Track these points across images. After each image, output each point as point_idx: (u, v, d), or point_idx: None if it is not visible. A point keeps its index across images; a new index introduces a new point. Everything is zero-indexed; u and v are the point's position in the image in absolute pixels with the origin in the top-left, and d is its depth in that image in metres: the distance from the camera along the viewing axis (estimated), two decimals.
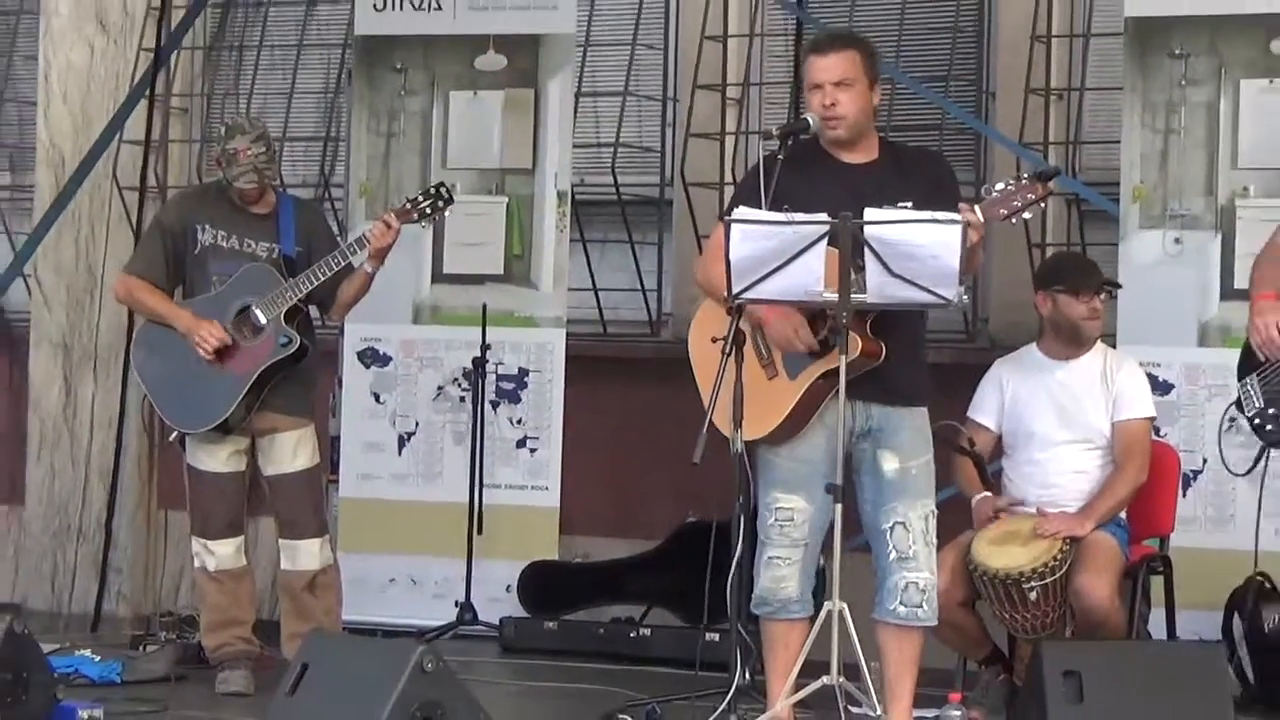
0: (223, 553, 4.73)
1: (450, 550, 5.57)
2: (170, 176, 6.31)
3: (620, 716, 4.28)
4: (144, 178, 6.14)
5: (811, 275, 3.66)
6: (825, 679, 3.70)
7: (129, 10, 6.19)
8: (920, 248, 3.63)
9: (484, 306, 5.62)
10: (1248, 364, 3.96)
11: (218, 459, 4.72)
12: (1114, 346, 4.77)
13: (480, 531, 5.54)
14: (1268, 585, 4.61)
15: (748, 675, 4.04)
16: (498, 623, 5.46)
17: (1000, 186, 3.86)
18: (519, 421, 5.70)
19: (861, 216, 3.66)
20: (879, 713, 3.78)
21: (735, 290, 3.70)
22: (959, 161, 5.51)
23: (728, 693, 3.80)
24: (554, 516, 5.66)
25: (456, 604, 5.52)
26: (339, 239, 5.02)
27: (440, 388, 5.75)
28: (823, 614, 3.73)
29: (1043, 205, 3.93)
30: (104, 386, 6.15)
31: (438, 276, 5.80)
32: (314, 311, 4.82)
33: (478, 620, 5.50)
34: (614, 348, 5.98)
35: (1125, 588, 4.37)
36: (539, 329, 5.71)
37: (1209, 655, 3.96)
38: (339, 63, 6.27)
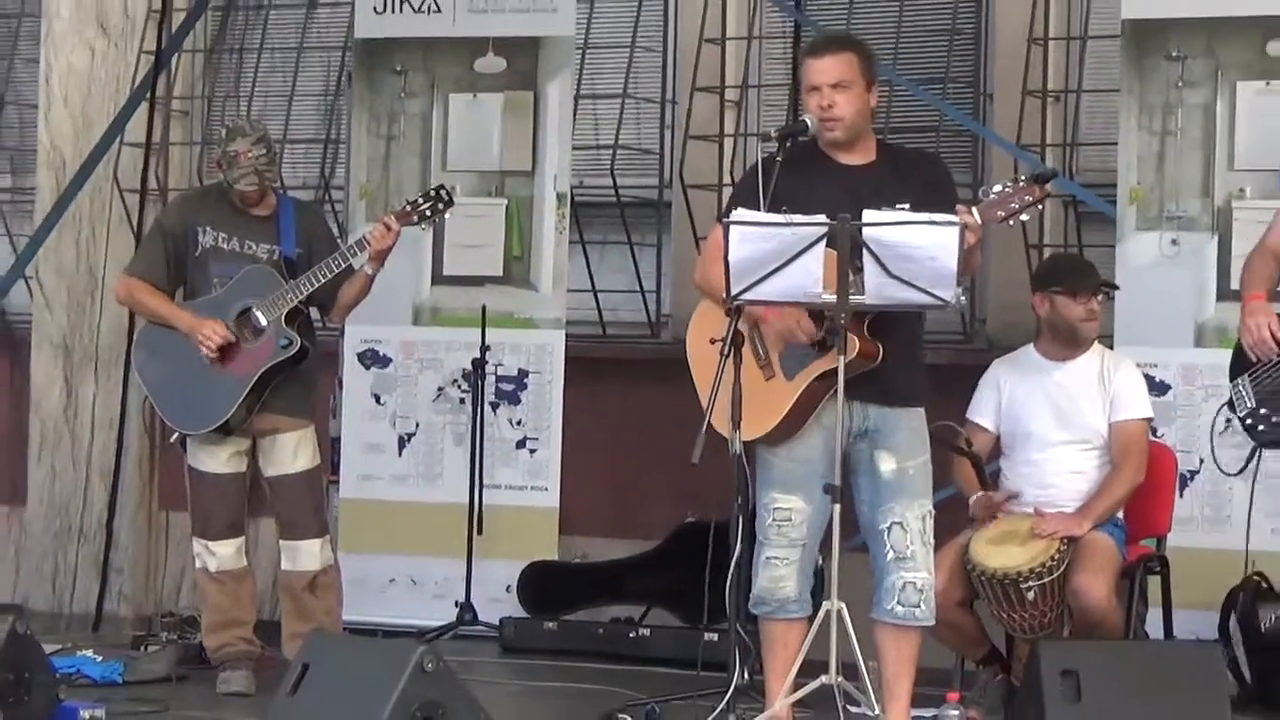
0: (224, 553, 4.75)
1: (450, 551, 5.58)
2: (171, 179, 6.32)
3: (620, 716, 4.28)
4: (145, 180, 6.16)
5: (810, 277, 3.67)
6: (824, 678, 3.71)
7: (130, 13, 6.21)
8: (918, 249, 3.64)
9: (484, 308, 5.64)
10: (1239, 364, 3.97)
11: (219, 460, 4.73)
12: (1111, 347, 4.78)
13: (480, 532, 5.55)
14: (1264, 585, 4.62)
15: (747, 675, 4.04)
16: (498, 623, 5.47)
17: (998, 188, 3.87)
18: (519, 422, 5.71)
19: (859, 218, 3.67)
20: (877, 712, 3.79)
21: (734, 291, 3.71)
22: (957, 163, 5.52)
23: (727, 692, 3.80)
24: (553, 517, 5.67)
25: (456, 604, 5.53)
26: (339, 241, 5.03)
27: (440, 389, 5.76)
28: (821, 614, 3.74)
29: (1040, 207, 3.95)
30: (105, 388, 6.16)
31: (438, 278, 5.81)
32: (315, 313, 4.83)
33: (478, 620, 5.52)
34: (613, 349, 6.00)
35: (1122, 587, 4.38)
36: (538, 330, 5.72)
37: (1206, 655, 3.97)
38: (339, 65, 6.28)
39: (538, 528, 5.65)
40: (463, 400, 5.70)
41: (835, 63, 3.89)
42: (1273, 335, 3.84)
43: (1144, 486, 4.48)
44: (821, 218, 3.69)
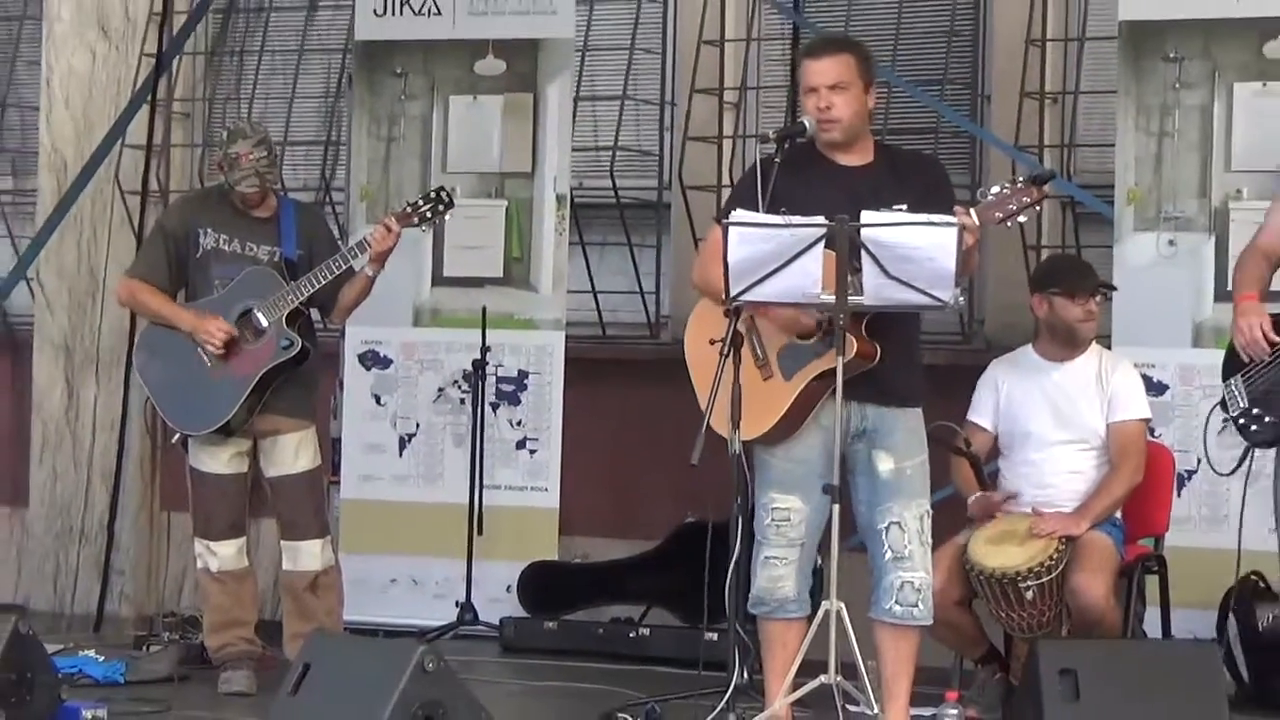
0: (225, 554, 4.76)
1: (451, 551, 5.59)
2: (172, 181, 6.33)
3: (620, 715, 4.28)
4: (146, 182, 6.17)
5: (809, 277, 3.69)
6: (823, 678, 3.72)
7: (131, 16, 6.23)
8: (916, 250, 3.65)
9: (484, 309, 5.65)
10: (1232, 365, 3.98)
11: (220, 461, 4.74)
12: (1109, 348, 4.79)
13: (480, 532, 5.56)
14: (1262, 584, 4.63)
15: (746, 674, 4.05)
16: (498, 623, 5.49)
17: (995, 190, 3.88)
18: (519, 423, 5.73)
19: (858, 219, 3.68)
20: (876, 711, 3.80)
21: (734, 292, 3.71)
22: (954, 165, 5.54)
23: (726, 692, 3.80)
24: (554, 517, 5.68)
25: (457, 604, 5.54)
26: (340, 242, 5.04)
27: (440, 390, 5.78)
28: (820, 613, 3.75)
29: (1038, 208, 3.96)
30: (106, 389, 6.17)
31: (438, 279, 5.82)
32: (315, 314, 4.85)
33: (478, 620, 5.53)
34: (613, 350, 6.01)
35: (1120, 587, 4.39)
36: (538, 331, 5.74)
37: (1204, 654, 3.98)
38: (339, 68, 6.30)
39: (538, 528, 5.66)
40: (463, 401, 5.71)
41: (833, 64, 3.90)
42: (1265, 335, 3.86)
43: (1142, 486, 4.49)
44: (820, 219, 3.70)
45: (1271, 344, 3.87)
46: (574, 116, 5.87)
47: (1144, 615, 4.51)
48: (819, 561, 4.14)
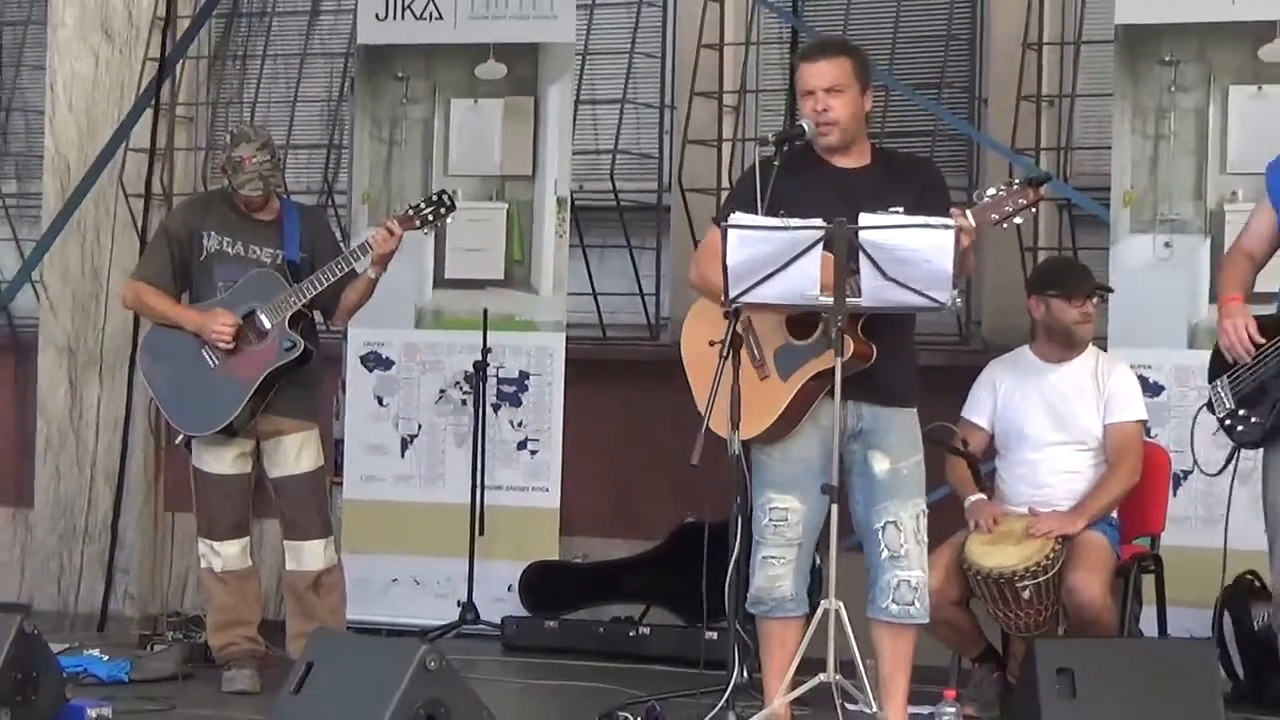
0: (229, 553, 4.78)
1: (452, 551, 5.61)
2: (175, 184, 6.35)
3: (620, 714, 4.28)
4: (149, 185, 6.19)
5: (808, 279, 3.70)
6: (822, 676, 3.73)
7: (134, 20, 6.25)
8: (914, 252, 3.67)
9: (485, 311, 5.67)
10: (1218, 366, 3.99)
11: (224, 461, 4.77)
12: (1105, 349, 4.81)
13: (482, 532, 5.58)
14: (1257, 583, 4.65)
15: (746, 673, 4.04)
16: (499, 622, 5.50)
17: (992, 191, 3.90)
18: (520, 424, 5.75)
19: (855, 221, 3.69)
20: (875, 710, 3.81)
21: (733, 294, 3.73)
22: (952, 167, 5.57)
23: (726, 690, 3.81)
24: (554, 517, 5.70)
25: (459, 604, 5.56)
26: (342, 245, 5.06)
27: (442, 391, 5.80)
28: (819, 612, 3.76)
29: (1034, 210, 3.98)
30: (109, 390, 6.20)
31: (439, 281, 5.85)
32: (318, 316, 4.87)
33: (480, 620, 5.55)
34: (613, 351, 6.03)
35: (1117, 586, 4.41)
36: (539, 333, 5.76)
37: (1199, 652, 3.98)
38: (342, 71, 6.32)
39: (539, 528, 5.68)
40: (464, 402, 5.73)
41: (830, 67, 3.92)
42: (1250, 337, 3.89)
43: (1138, 486, 4.51)
44: (818, 221, 3.72)
45: (1257, 345, 3.90)
46: (574, 120, 5.90)
47: (1140, 614, 4.53)
48: (818, 561, 4.17)
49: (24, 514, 6.43)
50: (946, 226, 3.70)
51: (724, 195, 5.62)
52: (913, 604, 3.89)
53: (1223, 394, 3.97)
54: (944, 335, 5.59)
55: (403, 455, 5.83)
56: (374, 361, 5.88)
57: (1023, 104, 5.58)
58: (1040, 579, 4.30)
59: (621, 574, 5.65)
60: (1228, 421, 3.96)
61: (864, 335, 3.83)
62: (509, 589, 5.59)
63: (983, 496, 4.51)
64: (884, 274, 3.69)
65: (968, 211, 3.85)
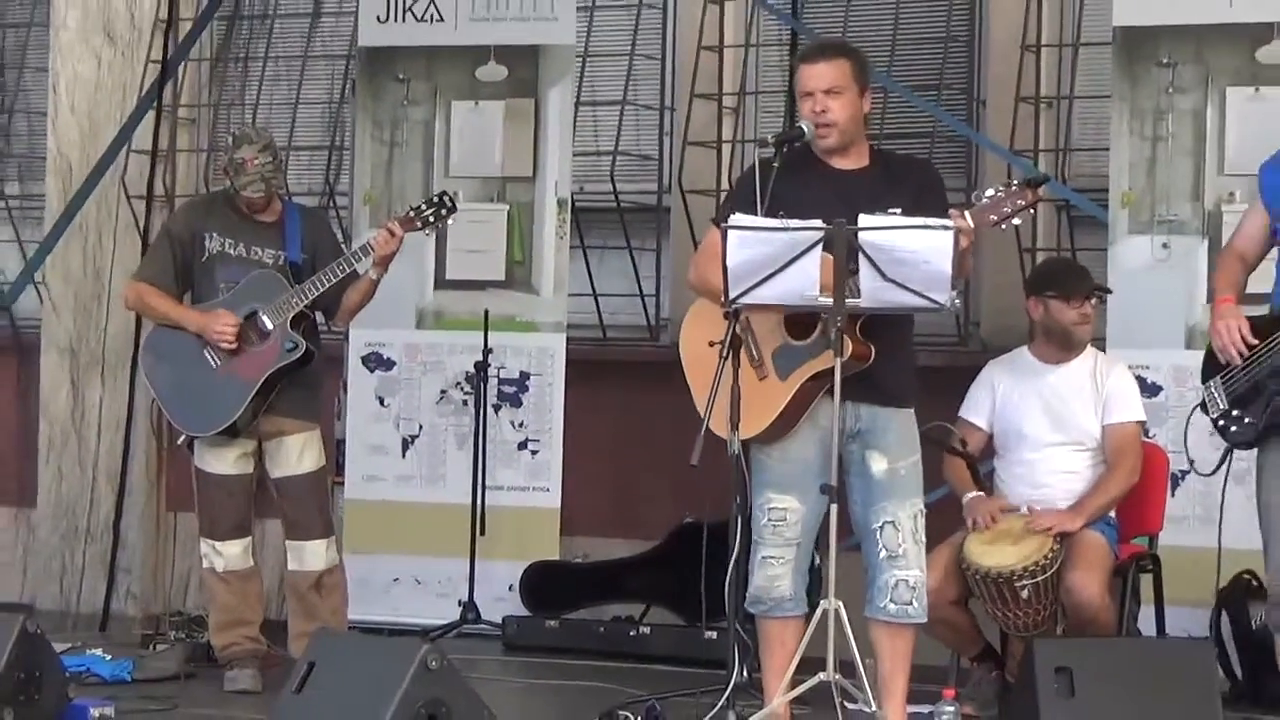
0: (231, 553, 4.80)
1: (453, 550, 5.62)
2: (177, 185, 6.37)
3: (621, 713, 4.28)
4: (151, 186, 6.20)
5: (808, 280, 3.71)
6: (821, 675, 3.74)
7: (136, 23, 6.27)
8: (913, 253, 3.68)
9: (486, 312, 5.69)
10: (1211, 367, 4.01)
11: (226, 462, 4.78)
12: (1104, 350, 4.83)
13: (483, 532, 5.60)
14: (1254, 583, 4.66)
15: (746, 672, 4.03)
16: (500, 621, 5.52)
17: (990, 192, 3.91)
18: (520, 424, 5.76)
19: (854, 222, 3.71)
20: (874, 709, 3.82)
21: (733, 295, 3.74)
22: (950, 169, 5.59)
23: (726, 689, 3.81)
24: (555, 517, 5.72)
25: (460, 603, 5.58)
26: (344, 246, 5.07)
27: (443, 391, 5.81)
28: (819, 612, 3.77)
29: (1032, 211, 3.99)
30: (111, 391, 6.21)
31: (440, 282, 5.86)
32: (320, 317, 4.89)
33: (481, 619, 5.56)
34: (613, 352, 6.05)
35: (1115, 585, 4.42)
36: (540, 334, 5.78)
37: (1197, 651, 4.00)
38: (343, 73, 6.34)
39: (539, 528, 5.70)
40: (465, 402, 5.75)
41: (829, 68, 3.94)
42: (1242, 338, 3.90)
43: (1136, 486, 4.52)
44: (818, 222, 3.73)
45: (1249, 346, 3.91)
46: (575, 121, 5.92)
47: (1138, 614, 4.54)
48: (817, 560, 4.19)
49: (26, 514, 6.45)
50: (945, 228, 3.72)
51: (724, 196, 5.65)
52: (911, 603, 3.91)
53: (1216, 394, 3.99)
54: (943, 336, 5.60)
55: (404, 455, 5.84)
56: (375, 362, 5.90)
57: (1021, 105, 5.60)
58: (1039, 578, 4.31)
59: (622, 574, 5.67)
60: (1221, 422, 3.98)
61: (862, 336, 3.84)
62: (510, 589, 5.61)
63: (981, 494, 4.52)
64: (883, 275, 3.70)
65: (966, 213, 3.86)
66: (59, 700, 4.07)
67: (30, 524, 6.41)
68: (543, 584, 5.63)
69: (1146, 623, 4.60)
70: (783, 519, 3.91)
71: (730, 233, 3.75)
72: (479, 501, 5.62)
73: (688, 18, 6.09)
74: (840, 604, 3.75)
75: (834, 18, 5.94)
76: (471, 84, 5.86)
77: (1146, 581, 4.59)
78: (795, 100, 4.07)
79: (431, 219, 4.82)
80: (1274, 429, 3.92)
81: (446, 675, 3.68)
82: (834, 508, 3.78)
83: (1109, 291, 4.88)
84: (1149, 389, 4.98)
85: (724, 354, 3.76)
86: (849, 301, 3.73)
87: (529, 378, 5.77)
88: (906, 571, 3.90)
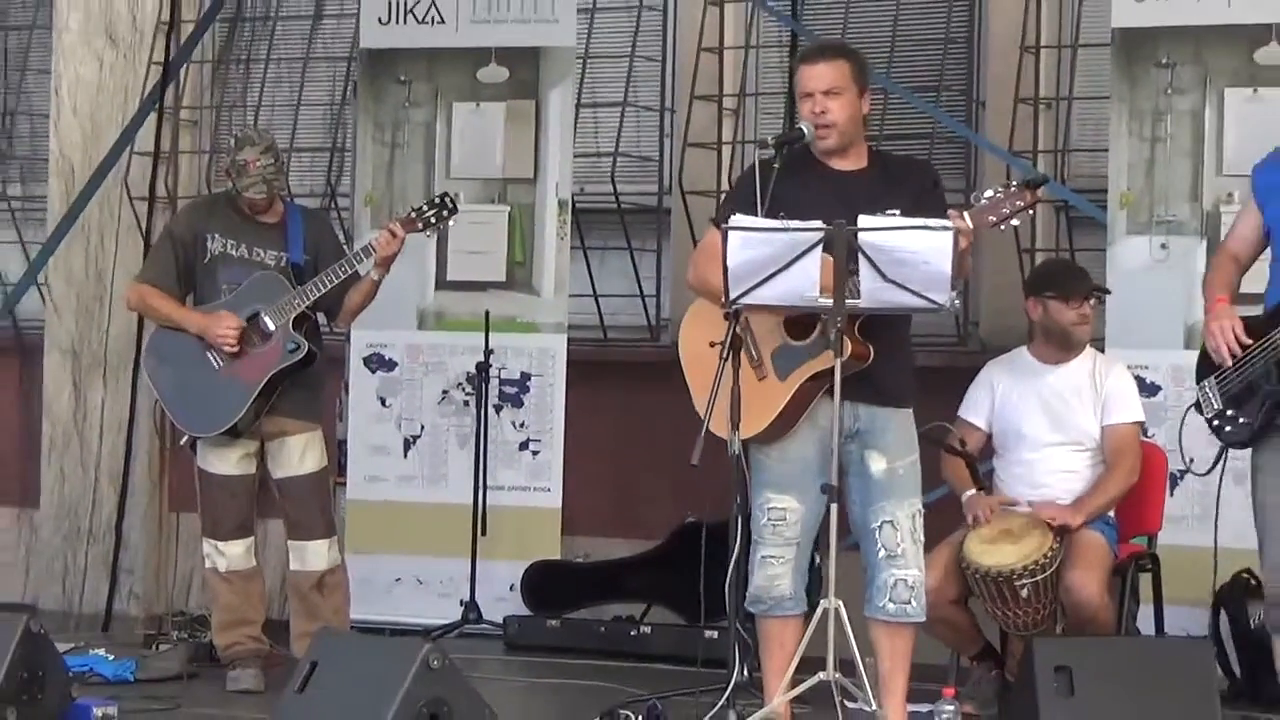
0: (233, 553, 4.82)
1: (455, 550, 5.64)
2: (180, 187, 6.38)
3: (622, 712, 4.28)
4: (153, 188, 6.22)
5: (808, 280, 3.72)
6: (822, 675, 3.75)
7: (138, 25, 6.28)
8: (913, 254, 3.69)
9: (487, 313, 5.71)
10: (1205, 367, 4.03)
11: (228, 462, 4.80)
12: (1103, 350, 4.84)
13: (484, 532, 5.61)
14: (1253, 582, 4.67)
15: (746, 672, 4.05)
16: (502, 621, 5.53)
17: (989, 193, 3.92)
18: (521, 425, 5.78)
19: (853, 223, 3.72)
20: (874, 707, 3.83)
21: (733, 295, 3.75)
22: (949, 169, 5.60)
23: (727, 689, 3.83)
24: (556, 517, 5.73)
25: (461, 603, 5.59)
26: (345, 247, 5.09)
27: (445, 392, 5.83)
28: (819, 611, 3.78)
29: (1031, 212, 4.00)
30: (113, 392, 6.22)
31: (442, 283, 5.87)
32: (321, 318, 4.91)
33: (482, 619, 5.58)
34: (614, 352, 6.07)
35: (1114, 585, 4.43)
36: (541, 334, 5.79)
37: (1196, 650, 4.01)
38: (344, 75, 6.35)
39: (540, 528, 5.71)
40: (467, 403, 5.76)
41: (828, 69, 3.95)
42: (1236, 338, 3.92)
43: (1135, 485, 4.54)
44: (818, 223, 3.74)
45: (1244, 346, 3.93)
46: (575, 123, 5.93)
47: (1137, 613, 4.55)
48: (816, 559, 4.21)
49: (29, 514, 6.46)
50: (945, 228, 3.73)
51: (723, 197, 5.67)
52: (909, 603, 3.92)
53: (1210, 394, 4.00)
54: (942, 336, 5.62)
55: (405, 456, 5.86)
56: (377, 363, 5.91)
57: (1020, 106, 5.61)
58: (1038, 577, 4.32)
59: (622, 573, 5.68)
60: (1215, 422, 3.99)
61: (861, 336, 3.85)
62: (511, 588, 5.62)
63: (980, 492, 4.54)
64: (883, 275, 3.72)
65: (965, 213, 3.88)
66: (62, 700, 4.08)
67: (33, 524, 6.43)
68: (544, 584, 5.64)
69: (1145, 622, 4.61)
70: (782, 519, 3.92)
71: (731, 233, 3.77)
72: (480, 501, 5.63)
73: (688, 19, 6.10)
74: (840, 603, 3.76)
75: (833, 19, 5.96)
76: (472, 86, 5.88)
77: (1145, 581, 4.60)
78: (795, 101, 4.08)
79: (433, 220, 4.83)
80: (1269, 429, 3.94)
81: (448, 675, 3.69)
82: (834, 507, 3.79)
83: (1108, 292, 4.90)
84: (1148, 389, 4.99)
85: (724, 354, 3.77)
86: (849, 302, 3.74)
87: (530, 378, 5.79)
88: (905, 571, 3.91)
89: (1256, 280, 4.09)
